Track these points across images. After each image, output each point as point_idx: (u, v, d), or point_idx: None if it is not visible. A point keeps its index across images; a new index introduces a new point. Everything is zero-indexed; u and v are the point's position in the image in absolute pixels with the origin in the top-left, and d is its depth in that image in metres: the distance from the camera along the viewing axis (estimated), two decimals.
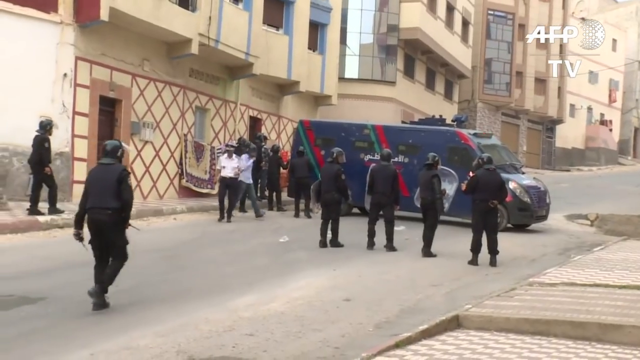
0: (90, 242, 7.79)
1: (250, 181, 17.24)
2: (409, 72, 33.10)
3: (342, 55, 28.91)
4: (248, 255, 11.86)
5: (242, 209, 17.64)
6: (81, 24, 15.52)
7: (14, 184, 14.61)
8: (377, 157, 16.38)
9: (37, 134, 13.40)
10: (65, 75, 15.39)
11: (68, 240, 11.87)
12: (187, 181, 19.25)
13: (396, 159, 16.30)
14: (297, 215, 17.61)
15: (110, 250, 7.78)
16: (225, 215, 15.82)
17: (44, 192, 13.34)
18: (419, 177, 13.04)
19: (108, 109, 16.90)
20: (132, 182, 17.28)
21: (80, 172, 15.79)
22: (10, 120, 14.43)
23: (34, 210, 13.08)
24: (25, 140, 14.55)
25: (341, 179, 13.03)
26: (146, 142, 17.86)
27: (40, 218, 12.84)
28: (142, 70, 17.75)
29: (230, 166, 16.08)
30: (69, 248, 11.22)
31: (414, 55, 33.34)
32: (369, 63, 30.98)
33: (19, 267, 9.60)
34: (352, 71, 30.51)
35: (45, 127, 13.41)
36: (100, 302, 7.60)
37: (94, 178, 7.92)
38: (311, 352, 6.43)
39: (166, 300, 8.30)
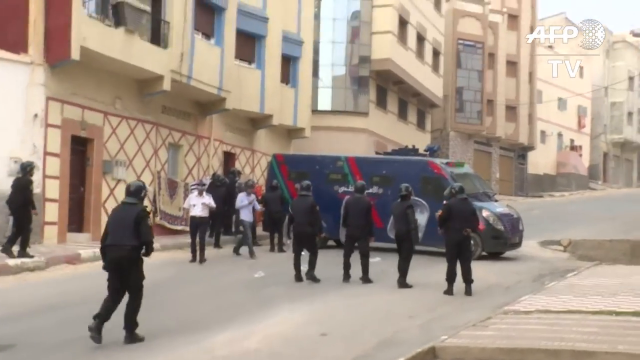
0: (107, 279, 8.12)
1: (251, 219, 16.77)
2: (381, 103, 33.38)
3: (315, 88, 29.00)
4: (224, 291, 11.78)
5: (217, 245, 17.58)
6: (52, 65, 15.47)
7: None
8: (351, 189, 16.43)
9: (18, 176, 13.33)
10: (35, 115, 15.28)
11: (39, 284, 11.82)
12: (160, 219, 19.12)
13: (370, 190, 16.34)
14: (272, 249, 17.57)
15: (127, 287, 8.11)
16: (199, 255, 15.29)
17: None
18: (393, 209, 13.11)
19: (80, 148, 16.79)
20: (105, 219, 17.27)
21: (52, 213, 15.63)
22: None
23: (7, 249, 12.91)
24: None
25: (316, 211, 13.01)
26: (119, 180, 17.71)
27: (10, 262, 12.64)
28: (114, 109, 17.70)
29: (199, 203, 15.60)
30: (40, 292, 11.13)
31: (385, 86, 33.65)
32: (341, 95, 31.18)
33: None
34: (324, 103, 30.64)
35: (26, 169, 13.35)
36: (129, 338, 8.05)
37: (115, 216, 8.37)
38: None
39: None
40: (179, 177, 20.43)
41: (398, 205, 12.82)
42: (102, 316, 7.91)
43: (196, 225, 15.53)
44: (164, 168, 19.68)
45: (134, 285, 8.12)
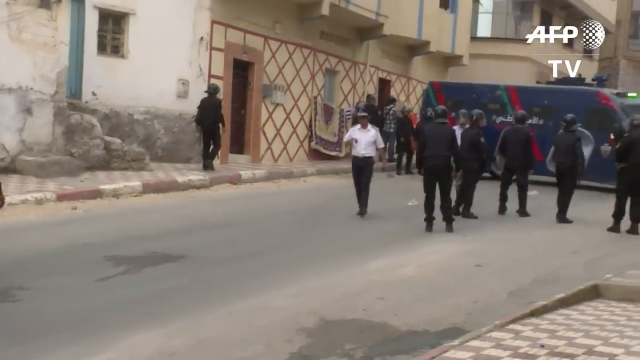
0: (424, 182, 10.53)
1: None
2: (545, 30, 31.57)
3: (475, 13, 27.99)
4: (377, 219, 11.79)
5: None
6: None
7: (155, 146, 15.30)
8: (509, 119, 15.87)
9: (206, 95, 14.56)
10: (201, 38, 15.84)
11: (204, 201, 12.45)
12: (316, 143, 19.46)
13: (530, 121, 15.66)
14: None
15: (441, 189, 10.42)
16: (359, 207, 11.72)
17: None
18: (557, 140, 12.50)
19: (241, 72, 17.28)
20: (264, 144, 17.82)
21: None
22: (151, 83, 14.96)
23: (208, 165, 14.41)
24: (164, 103, 15.23)
25: (480, 144, 12.34)
26: (277, 104, 18.16)
27: (179, 179, 13.42)
28: (274, 33, 17.97)
29: (365, 140, 11.67)
30: (205, 208, 11.75)
31: (551, 11, 31.73)
32: (502, 21, 29.84)
33: (161, 226, 10.05)
34: (484, 30, 29.50)
35: (216, 90, 14.65)
36: (449, 228, 10.59)
37: (431, 133, 10.69)
38: (443, 318, 6.37)
39: (298, 262, 8.46)
40: (335, 102, 20.59)
41: (564, 136, 12.16)
42: (430, 216, 10.39)
43: (359, 168, 11.80)
44: (320, 93, 19.88)
45: (446, 187, 10.38)
